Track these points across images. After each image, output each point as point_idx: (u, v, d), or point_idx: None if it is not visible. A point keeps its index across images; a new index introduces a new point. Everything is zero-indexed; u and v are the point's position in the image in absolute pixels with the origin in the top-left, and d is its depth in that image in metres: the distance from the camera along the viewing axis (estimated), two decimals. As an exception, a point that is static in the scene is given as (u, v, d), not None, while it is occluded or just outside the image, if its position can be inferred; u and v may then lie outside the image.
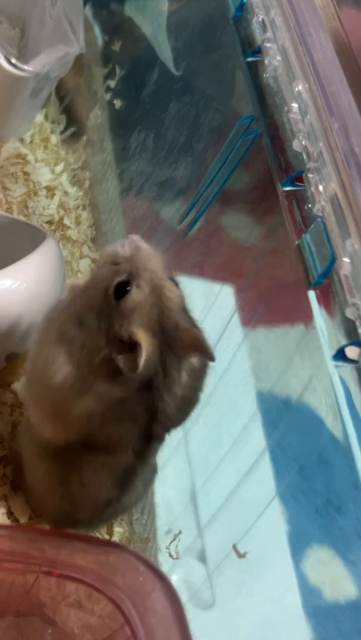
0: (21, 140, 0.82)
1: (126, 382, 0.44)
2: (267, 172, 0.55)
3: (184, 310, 0.46)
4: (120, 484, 0.51)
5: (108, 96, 0.86)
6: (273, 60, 0.56)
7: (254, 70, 0.60)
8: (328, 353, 0.46)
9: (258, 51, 0.59)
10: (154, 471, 0.56)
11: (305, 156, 0.50)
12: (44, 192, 0.79)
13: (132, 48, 0.86)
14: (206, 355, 0.46)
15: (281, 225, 0.52)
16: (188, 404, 0.48)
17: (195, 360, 0.47)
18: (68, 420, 0.47)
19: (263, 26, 0.59)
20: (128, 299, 0.44)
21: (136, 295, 0.44)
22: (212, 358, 0.45)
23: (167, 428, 0.49)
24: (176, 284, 0.46)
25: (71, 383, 0.46)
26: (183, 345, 0.45)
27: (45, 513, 0.56)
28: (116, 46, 0.87)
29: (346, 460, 0.47)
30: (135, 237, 0.47)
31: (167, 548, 0.60)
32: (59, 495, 0.52)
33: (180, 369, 0.46)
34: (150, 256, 0.46)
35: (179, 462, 0.66)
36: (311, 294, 0.48)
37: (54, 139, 0.85)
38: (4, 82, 0.73)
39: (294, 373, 0.57)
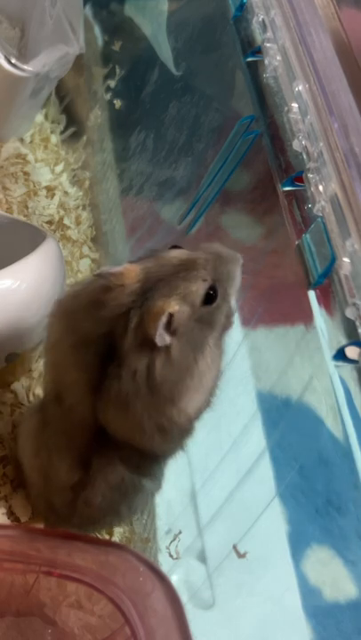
0: (21, 140, 0.82)
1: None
2: (267, 172, 0.55)
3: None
4: (80, 468, 0.50)
5: (108, 96, 0.86)
6: (273, 60, 0.56)
7: (254, 70, 0.61)
8: (328, 353, 0.46)
9: (258, 51, 0.59)
10: (135, 487, 0.53)
11: (305, 156, 0.50)
12: (44, 192, 0.79)
13: (132, 48, 0.86)
14: None
15: (281, 225, 0.52)
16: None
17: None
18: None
19: (263, 26, 0.59)
20: (213, 306, 0.45)
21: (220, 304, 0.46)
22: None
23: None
24: None
25: None
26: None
27: (40, 508, 0.56)
28: (116, 46, 0.87)
29: (346, 460, 0.47)
30: (217, 245, 0.47)
31: (167, 547, 0.60)
32: (42, 480, 0.52)
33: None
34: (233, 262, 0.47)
35: (179, 462, 0.66)
36: (311, 294, 0.48)
37: (54, 139, 0.85)
38: (4, 82, 0.73)
39: (294, 373, 0.57)
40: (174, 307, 0.43)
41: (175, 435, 0.49)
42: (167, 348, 0.44)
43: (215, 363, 0.48)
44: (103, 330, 0.44)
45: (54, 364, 0.50)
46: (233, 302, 0.47)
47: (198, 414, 0.48)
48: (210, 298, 0.45)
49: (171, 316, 0.43)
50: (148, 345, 0.43)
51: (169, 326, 0.43)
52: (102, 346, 0.45)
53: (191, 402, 0.47)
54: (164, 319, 0.42)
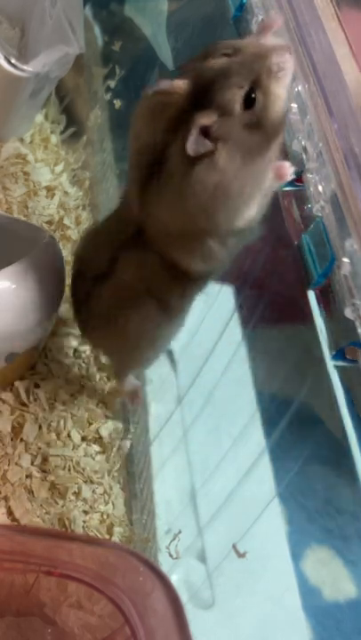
0: (21, 140, 0.82)
1: None
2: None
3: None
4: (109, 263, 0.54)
5: (108, 96, 0.86)
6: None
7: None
8: (328, 353, 0.46)
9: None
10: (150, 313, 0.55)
11: (304, 157, 0.50)
12: (44, 192, 0.79)
13: (132, 48, 0.86)
14: None
15: (281, 225, 0.52)
16: None
17: None
18: None
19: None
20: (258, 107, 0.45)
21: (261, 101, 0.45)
22: None
23: None
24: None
25: None
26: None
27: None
28: (116, 46, 0.87)
29: (346, 460, 0.47)
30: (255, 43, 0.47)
31: (167, 547, 0.60)
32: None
33: None
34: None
35: (179, 462, 0.66)
36: (311, 294, 0.48)
37: (54, 139, 0.85)
38: (3, 82, 0.73)
39: (294, 373, 0.57)
40: (209, 119, 0.44)
41: (208, 242, 0.49)
42: (212, 154, 0.45)
43: (262, 172, 0.47)
44: (158, 140, 0.46)
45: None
46: (281, 93, 0.45)
47: (234, 223, 0.48)
48: (250, 101, 0.45)
49: (206, 127, 0.44)
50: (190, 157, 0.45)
51: (207, 136, 0.44)
52: (156, 155, 0.47)
53: (231, 210, 0.47)
54: (194, 132, 0.44)
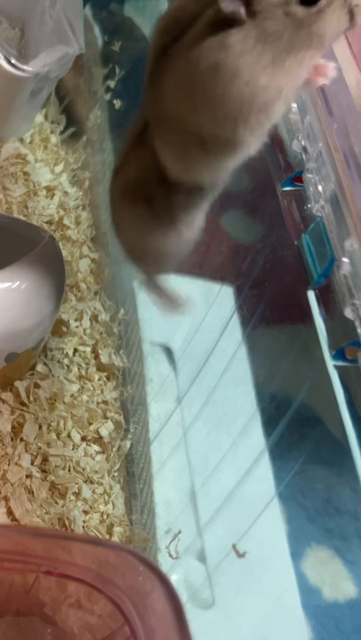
0: (21, 140, 0.82)
1: None
2: (266, 172, 0.55)
3: None
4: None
5: (108, 96, 0.86)
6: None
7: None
8: (328, 353, 0.46)
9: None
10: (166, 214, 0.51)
11: (304, 157, 0.50)
12: (43, 192, 0.79)
13: (132, 48, 0.86)
14: None
15: (280, 225, 0.52)
16: None
17: None
18: None
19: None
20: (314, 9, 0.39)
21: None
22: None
23: None
24: None
25: None
26: None
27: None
28: (116, 46, 0.87)
29: (346, 459, 0.47)
30: None
31: (167, 547, 0.60)
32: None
33: None
34: None
35: (178, 462, 0.66)
36: (311, 294, 0.48)
37: (54, 139, 0.85)
38: (4, 82, 0.73)
39: (294, 373, 0.57)
40: None
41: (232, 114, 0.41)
42: (240, 26, 0.39)
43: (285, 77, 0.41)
44: (190, 12, 0.41)
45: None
46: (344, 19, 0.40)
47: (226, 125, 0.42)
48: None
49: None
50: (222, 24, 0.39)
51: (248, 6, 0.39)
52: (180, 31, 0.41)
53: (233, 107, 0.41)
54: None
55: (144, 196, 0.50)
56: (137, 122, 0.50)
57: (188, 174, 0.46)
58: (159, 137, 0.46)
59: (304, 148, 0.50)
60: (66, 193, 0.81)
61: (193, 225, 0.52)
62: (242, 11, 0.39)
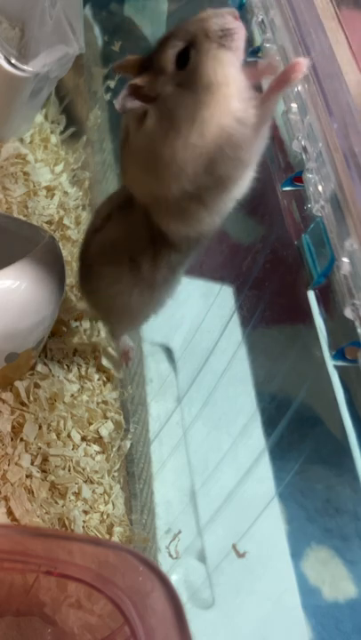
0: (21, 140, 0.82)
1: None
2: (266, 172, 0.55)
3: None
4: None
5: (107, 96, 0.86)
6: (272, 61, 0.56)
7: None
8: (328, 353, 0.46)
9: (257, 51, 0.59)
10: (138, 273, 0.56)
11: (304, 157, 0.50)
12: (43, 192, 0.79)
13: (132, 48, 0.86)
14: None
15: (280, 225, 0.52)
16: None
17: None
18: None
19: (263, 26, 0.59)
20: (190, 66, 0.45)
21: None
22: None
23: None
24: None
25: None
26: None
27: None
28: (116, 46, 0.87)
29: (346, 459, 0.47)
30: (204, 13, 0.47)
31: (167, 547, 0.60)
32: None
33: None
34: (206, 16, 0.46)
35: (178, 462, 0.66)
36: (311, 294, 0.48)
37: (54, 139, 0.85)
38: (4, 82, 0.73)
39: (294, 373, 0.57)
40: (142, 80, 0.46)
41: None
42: (144, 114, 0.46)
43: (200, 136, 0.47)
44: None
45: None
46: (222, 56, 0.45)
47: (171, 187, 0.48)
48: (183, 60, 0.45)
49: (137, 86, 0.45)
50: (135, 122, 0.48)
51: (138, 95, 0.46)
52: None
53: (166, 174, 0.48)
54: (124, 91, 0.45)
55: (130, 255, 0.54)
56: (120, 191, 0.56)
57: (188, 225, 0.51)
58: (150, 207, 0.51)
59: (304, 148, 0.50)
60: (66, 193, 0.81)
61: (173, 285, 0.57)
62: (136, 104, 0.46)
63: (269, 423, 0.60)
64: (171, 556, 0.60)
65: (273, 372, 0.63)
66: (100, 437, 0.64)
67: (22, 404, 0.63)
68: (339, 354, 0.45)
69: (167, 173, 0.47)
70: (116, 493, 0.62)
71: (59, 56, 0.74)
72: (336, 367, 0.46)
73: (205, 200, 0.49)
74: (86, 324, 0.72)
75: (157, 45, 0.46)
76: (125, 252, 0.54)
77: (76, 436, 0.63)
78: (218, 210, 0.50)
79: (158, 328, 0.74)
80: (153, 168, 0.47)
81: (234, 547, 0.56)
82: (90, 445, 0.64)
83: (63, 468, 0.61)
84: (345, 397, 0.46)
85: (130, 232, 0.53)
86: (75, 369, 0.68)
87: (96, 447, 0.64)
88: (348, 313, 0.44)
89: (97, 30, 0.91)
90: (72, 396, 0.66)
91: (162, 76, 0.45)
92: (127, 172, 0.51)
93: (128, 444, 0.65)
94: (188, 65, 0.45)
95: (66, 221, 0.78)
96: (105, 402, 0.67)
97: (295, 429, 0.56)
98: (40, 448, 0.61)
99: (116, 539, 0.60)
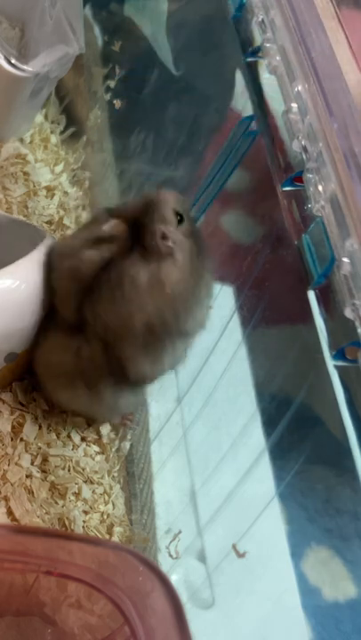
0: (21, 140, 0.82)
1: None
2: (266, 172, 0.55)
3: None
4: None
5: (107, 96, 0.86)
6: (273, 61, 0.56)
7: (254, 70, 0.61)
8: (328, 353, 0.46)
9: (257, 51, 0.59)
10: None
11: (304, 157, 0.50)
12: (43, 192, 0.79)
13: (132, 48, 0.86)
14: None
15: (281, 225, 0.52)
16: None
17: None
18: None
19: (263, 26, 0.59)
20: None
21: None
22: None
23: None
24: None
25: None
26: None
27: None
28: (116, 46, 0.87)
29: (346, 460, 0.47)
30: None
31: (167, 547, 0.60)
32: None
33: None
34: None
35: (178, 462, 0.66)
36: (311, 294, 0.48)
37: (54, 139, 0.85)
38: (4, 82, 0.73)
39: (294, 373, 0.57)
40: (166, 227, 0.53)
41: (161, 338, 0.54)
42: (173, 255, 0.53)
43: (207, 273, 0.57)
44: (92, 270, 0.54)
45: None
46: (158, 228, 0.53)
47: (187, 321, 0.55)
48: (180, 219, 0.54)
49: (164, 233, 0.53)
50: (152, 255, 0.53)
51: (167, 239, 0.53)
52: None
53: (188, 308, 0.55)
54: (158, 234, 0.53)
55: (86, 383, 0.57)
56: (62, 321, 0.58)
57: (152, 367, 0.57)
58: (121, 341, 0.54)
59: (304, 148, 0.50)
60: (66, 193, 0.81)
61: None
62: (169, 244, 0.53)
63: (269, 423, 0.60)
64: (171, 556, 0.60)
65: (273, 372, 0.63)
66: (100, 437, 0.64)
67: (22, 404, 0.63)
68: (339, 354, 0.45)
69: (189, 304, 0.55)
70: (116, 493, 0.62)
71: (59, 56, 0.74)
72: (336, 367, 0.46)
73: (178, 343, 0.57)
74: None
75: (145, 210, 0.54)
76: (81, 381, 0.57)
77: (76, 437, 0.63)
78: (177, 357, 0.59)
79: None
80: (175, 300, 0.54)
81: (234, 547, 0.56)
82: (90, 445, 0.64)
83: (63, 469, 0.61)
84: (345, 397, 0.46)
85: (88, 366, 0.56)
86: (75, 369, 0.68)
87: (96, 447, 0.64)
88: (349, 313, 0.44)
89: (97, 30, 0.91)
90: (72, 396, 0.66)
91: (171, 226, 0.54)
92: (112, 312, 0.54)
93: (128, 444, 0.65)
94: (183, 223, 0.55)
95: (66, 221, 0.78)
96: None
97: (295, 429, 0.56)
98: (40, 448, 0.61)
99: (116, 539, 0.60)
